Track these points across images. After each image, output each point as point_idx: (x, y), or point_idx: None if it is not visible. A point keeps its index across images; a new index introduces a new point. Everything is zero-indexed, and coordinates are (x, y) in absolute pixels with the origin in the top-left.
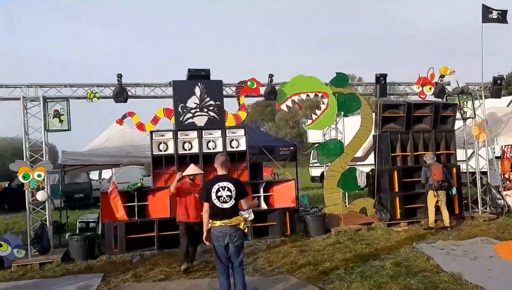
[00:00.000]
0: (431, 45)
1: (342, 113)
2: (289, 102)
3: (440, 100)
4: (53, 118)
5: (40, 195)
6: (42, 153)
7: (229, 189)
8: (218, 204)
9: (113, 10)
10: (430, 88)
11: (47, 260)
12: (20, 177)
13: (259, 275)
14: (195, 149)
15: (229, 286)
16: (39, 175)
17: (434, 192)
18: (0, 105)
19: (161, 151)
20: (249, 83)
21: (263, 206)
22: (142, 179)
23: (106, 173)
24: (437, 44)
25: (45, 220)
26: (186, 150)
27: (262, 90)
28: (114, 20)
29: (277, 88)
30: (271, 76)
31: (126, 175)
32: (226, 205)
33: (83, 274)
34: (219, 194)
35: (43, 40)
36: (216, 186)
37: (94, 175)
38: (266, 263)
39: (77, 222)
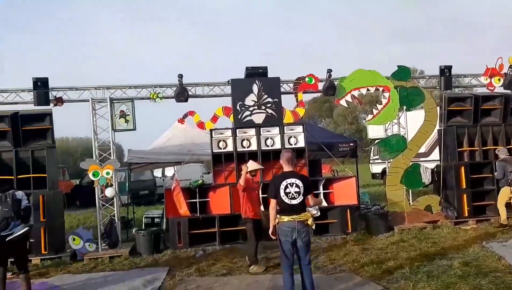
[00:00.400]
0: (498, 33)
1: (405, 107)
2: (348, 97)
3: (510, 92)
4: (119, 118)
5: (109, 192)
6: (110, 152)
7: (297, 185)
8: (286, 200)
9: (172, 12)
10: (499, 80)
11: (116, 254)
12: (90, 175)
13: (320, 273)
14: (254, 147)
15: (293, 283)
16: (107, 173)
17: (511, 188)
18: (71, 107)
19: (221, 149)
20: (307, 79)
21: (324, 203)
22: (202, 176)
23: (169, 171)
24: (505, 31)
25: (114, 216)
26: (244, 147)
27: (321, 85)
28: (174, 22)
29: (336, 83)
30: (329, 71)
31: (187, 172)
32: (294, 201)
33: (150, 268)
34: (287, 190)
35: (109, 43)
36: (284, 183)
37: (157, 172)
38: (327, 261)
39: (143, 218)
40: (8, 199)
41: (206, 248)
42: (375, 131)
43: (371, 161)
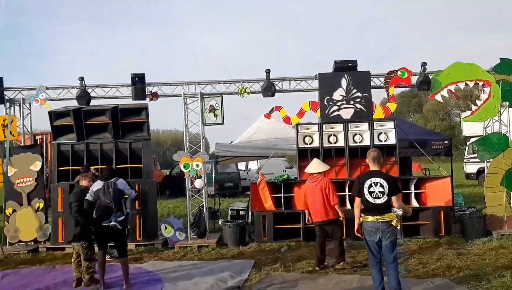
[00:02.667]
0: None
1: (507, 103)
2: (444, 92)
3: None
4: (209, 112)
5: (198, 183)
6: (200, 145)
7: (381, 185)
8: (370, 199)
9: (259, 8)
10: None
11: (204, 244)
12: (181, 166)
13: (412, 276)
14: (341, 142)
15: (382, 279)
16: (197, 165)
17: None
18: (163, 101)
19: (307, 144)
20: (399, 72)
21: (414, 204)
22: (285, 171)
23: (252, 164)
24: None
25: (202, 206)
26: (331, 143)
27: (413, 80)
28: (261, 17)
29: (430, 77)
30: (424, 64)
31: (270, 166)
32: (378, 201)
33: (236, 260)
34: (371, 189)
35: (198, 39)
36: (368, 182)
37: (241, 165)
38: (419, 264)
39: (229, 210)
40: (110, 190)
41: (290, 243)
42: (471, 129)
43: (465, 160)
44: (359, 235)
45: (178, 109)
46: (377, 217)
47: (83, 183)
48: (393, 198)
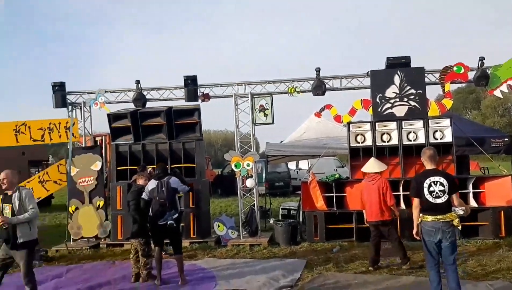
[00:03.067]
0: None
1: None
2: (504, 87)
3: None
4: (259, 112)
5: (249, 182)
6: (250, 144)
7: (441, 184)
8: (431, 199)
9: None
10: None
11: (255, 242)
12: (232, 166)
13: (470, 278)
14: (394, 141)
15: (440, 280)
16: (248, 164)
17: None
18: (215, 102)
19: (359, 142)
20: (455, 68)
21: (473, 203)
22: (336, 170)
23: (303, 163)
24: None
25: (254, 205)
26: (384, 141)
27: (470, 75)
28: (309, 14)
29: (488, 72)
30: (481, 59)
31: (321, 165)
32: (439, 201)
33: (288, 259)
34: (431, 189)
35: (247, 40)
36: (427, 181)
37: (291, 165)
38: (477, 266)
39: (279, 209)
40: (163, 189)
41: (343, 243)
42: None
43: None
44: (418, 238)
45: (229, 110)
46: (438, 216)
47: (140, 182)
48: (453, 196)
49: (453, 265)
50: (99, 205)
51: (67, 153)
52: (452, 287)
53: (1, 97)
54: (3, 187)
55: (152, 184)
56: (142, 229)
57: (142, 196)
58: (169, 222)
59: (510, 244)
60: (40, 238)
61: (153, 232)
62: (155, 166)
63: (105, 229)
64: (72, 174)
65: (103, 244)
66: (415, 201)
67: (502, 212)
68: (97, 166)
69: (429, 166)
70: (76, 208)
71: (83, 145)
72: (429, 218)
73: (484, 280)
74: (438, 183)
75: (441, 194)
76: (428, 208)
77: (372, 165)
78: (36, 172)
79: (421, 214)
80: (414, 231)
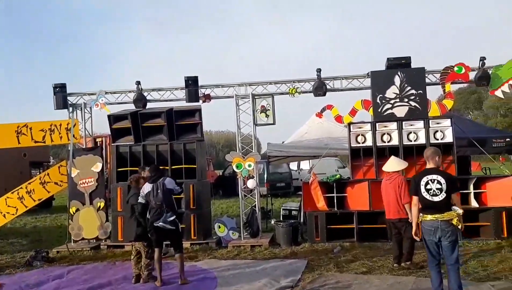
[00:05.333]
0: None
1: None
2: (505, 87)
3: None
4: (260, 113)
5: (251, 183)
6: (252, 145)
7: (438, 182)
8: (427, 197)
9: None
10: None
11: (257, 243)
12: (233, 167)
13: (471, 279)
14: (395, 141)
15: (441, 281)
16: (249, 165)
17: None
18: (216, 103)
19: (359, 143)
20: (456, 68)
21: (474, 204)
22: (338, 171)
23: (304, 164)
24: None
25: (255, 206)
26: (385, 142)
27: (471, 75)
28: (310, 16)
29: (489, 72)
30: (482, 58)
31: (322, 166)
32: (436, 199)
33: (289, 259)
34: (428, 187)
35: (249, 41)
36: (424, 179)
37: (293, 165)
38: (479, 267)
39: (281, 209)
40: (159, 191)
41: (344, 244)
42: None
43: None
44: (417, 238)
45: (230, 110)
46: (436, 215)
47: (142, 184)
48: (453, 195)
49: (454, 266)
50: (99, 206)
51: (68, 154)
52: (453, 288)
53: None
54: None
55: (147, 187)
56: (145, 232)
57: (139, 200)
58: (160, 224)
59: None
60: (42, 239)
61: (151, 233)
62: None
63: (105, 230)
64: (72, 175)
65: (103, 245)
66: (414, 199)
67: (504, 213)
68: (97, 167)
69: (429, 165)
70: (77, 210)
71: (84, 146)
72: (428, 217)
73: (486, 281)
74: (436, 181)
75: (438, 192)
76: (426, 206)
77: (391, 164)
78: (37, 173)
79: (421, 213)
80: (413, 231)
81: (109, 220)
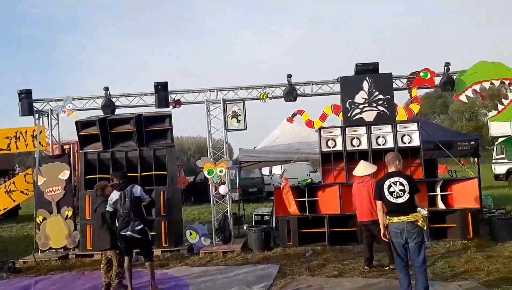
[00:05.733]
0: None
1: None
2: (469, 92)
3: None
4: (232, 118)
5: (222, 189)
6: (223, 151)
7: (401, 184)
8: (392, 199)
9: (278, 10)
10: None
11: (229, 249)
12: (205, 172)
13: (439, 280)
14: (364, 145)
15: (409, 282)
16: (221, 171)
17: None
18: (187, 108)
19: (330, 147)
20: (422, 73)
21: (441, 206)
22: (309, 175)
23: (276, 169)
24: None
25: (227, 212)
26: (354, 146)
27: (437, 80)
28: (281, 21)
29: (454, 77)
30: (447, 64)
31: (294, 171)
32: (400, 200)
33: (261, 265)
34: (391, 189)
35: (219, 46)
36: (387, 182)
37: (265, 170)
38: (446, 267)
39: (253, 215)
40: (126, 199)
41: (315, 247)
42: (499, 129)
43: (493, 161)
44: (386, 239)
45: (201, 116)
46: (402, 217)
47: (107, 191)
48: (415, 196)
49: (421, 267)
50: (67, 215)
51: (34, 162)
52: (420, 289)
53: None
54: None
55: (115, 195)
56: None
57: (107, 208)
58: (128, 233)
59: (478, 245)
60: (7, 249)
61: (120, 242)
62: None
63: (74, 239)
64: (39, 183)
65: (72, 254)
66: (378, 204)
67: (470, 214)
68: (65, 175)
69: (390, 169)
70: (44, 219)
71: (51, 154)
72: (394, 219)
73: (453, 281)
74: (398, 183)
75: (401, 193)
76: (391, 209)
77: (361, 168)
78: (2, 182)
79: (387, 217)
80: (382, 233)
81: (78, 229)
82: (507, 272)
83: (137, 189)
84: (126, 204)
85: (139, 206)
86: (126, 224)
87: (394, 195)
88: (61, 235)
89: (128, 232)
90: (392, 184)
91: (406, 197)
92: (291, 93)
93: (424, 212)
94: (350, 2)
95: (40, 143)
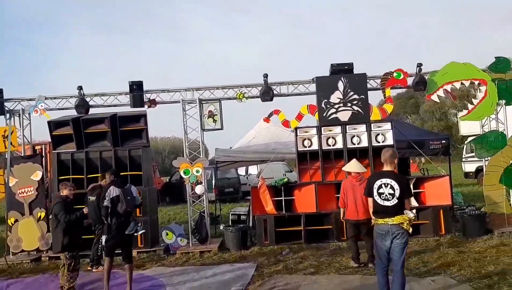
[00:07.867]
0: None
1: (504, 101)
2: (440, 92)
3: None
4: (208, 118)
5: (199, 189)
6: (199, 151)
7: (392, 187)
8: (379, 201)
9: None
10: None
11: (206, 249)
12: (181, 173)
13: (413, 275)
14: (339, 145)
15: (386, 283)
16: (197, 171)
17: None
18: (162, 108)
19: (306, 147)
20: (395, 74)
21: (414, 203)
22: (285, 175)
23: (252, 169)
24: None
25: (203, 212)
26: (330, 145)
27: (409, 81)
28: (258, 22)
29: (426, 77)
30: (419, 65)
31: (270, 170)
32: (387, 203)
33: (238, 264)
34: (380, 191)
35: (195, 45)
36: (378, 182)
37: (241, 170)
38: (420, 263)
39: (230, 215)
40: (128, 198)
41: (292, 246)
42: (468, 128)
43: (463, 159)
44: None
45: (176, 116)
46: (387, 219)
47: (64, 192)
48: (405, 201)
49: (400, 270)
50: (40, 216)
51: (5, 163)
52: None
53: None
54: None
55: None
56: (72, 242)
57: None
58: (140, 232)
59: (450, 241)
60: None
61: (114, 242)
62: (99, 175)
63: (47, 241)
64: (10, 184)
65: (44, 257)
66: (369, 201)
67: (441, 211)
68: (37, 175)
69: (386, 167)
70: (16, 220)
71: (22, 154)
72: (379, 221)
73: (426, 277)
74: (389, 186)
75: (390, 197)
76: (377, 210)
77: (354, 166)
78: None
79: (373, 217)
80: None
81: (51, 231)
82: (478, 267)
83: (134, 189)
84: (129, 202)
85: (135, 207)
86: (126, 223)
87: (382, 197)
88: (33, 237)
89: (140, 231)
90: (383, 185)
91: (394, 201)
92: (267, 93)
93: (411, 215)
94: (327, 4)
95: (11, 143)
